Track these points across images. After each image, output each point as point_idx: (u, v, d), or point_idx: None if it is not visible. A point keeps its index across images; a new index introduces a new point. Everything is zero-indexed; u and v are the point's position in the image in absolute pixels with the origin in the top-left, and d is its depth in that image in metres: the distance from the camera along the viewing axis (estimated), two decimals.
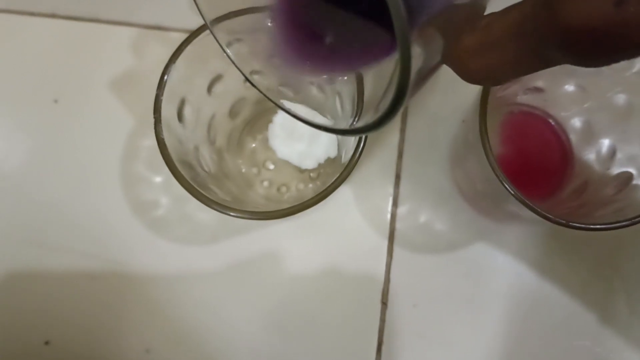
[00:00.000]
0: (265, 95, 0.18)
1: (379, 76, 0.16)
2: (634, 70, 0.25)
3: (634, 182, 0.25)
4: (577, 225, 0.22)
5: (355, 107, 0.23)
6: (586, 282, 0.32)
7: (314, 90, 0.26)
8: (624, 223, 0.22)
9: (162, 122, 0.23)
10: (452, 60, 0.14)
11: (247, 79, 0.18)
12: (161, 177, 0.33)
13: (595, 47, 0.11)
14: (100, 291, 0.32)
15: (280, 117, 0.31)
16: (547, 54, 0.12)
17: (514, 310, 0.31)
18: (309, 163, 0.31)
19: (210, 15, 0.17)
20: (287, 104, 0.19)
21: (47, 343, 0.32)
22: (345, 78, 0.22)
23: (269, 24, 0.18)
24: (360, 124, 0.14)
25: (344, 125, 0.19)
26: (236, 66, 0.18)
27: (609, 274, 0.32)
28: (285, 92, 0.20)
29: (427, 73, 0.13)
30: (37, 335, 0.32)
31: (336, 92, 0.25)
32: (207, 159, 0.28)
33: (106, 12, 0.36)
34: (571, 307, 0.31)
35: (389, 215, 0.33)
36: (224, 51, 0.18)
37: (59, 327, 0.32)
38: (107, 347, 0.32)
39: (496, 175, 0.22)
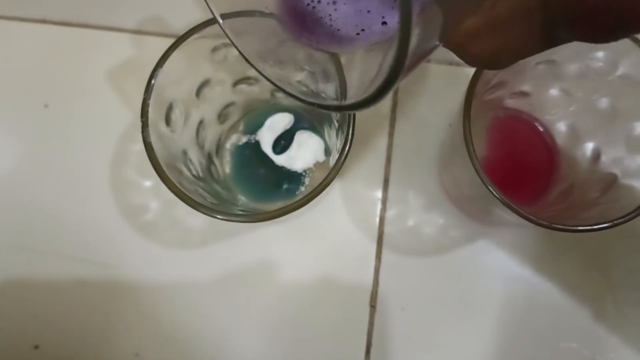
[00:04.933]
0: (273, 82, 0.18)
1: (368, 64, 0.16)
2: (617, 74, 0.25)
3: (618, 184, 0.26)
4: (560, 227, 0.22)
5: (339, 90, 0.23)
6: (575, 285, 0.32)
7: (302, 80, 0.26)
8: (605, 225, 0.22)
9: (150, 126, 0.23)
10: (453, 44, 0.13)
11: (255, 68, 0.18)
12: (150, 181, 0.33)
13: (604, 22, 0.11)
14: (89, 295, 0.32)
15: (269, 122, 0.32)
16: (553, 33, 0.12)
17: (503, 313, 0.32)
18: (298, 167, 0.31)
19: (218, 11, 0.18)
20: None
21: (36, 347, 0.32)
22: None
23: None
24: (350, 101, 0.14)
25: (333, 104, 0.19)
26: (243, 56, 0.18)
27: (597, 276, 0.32)
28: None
29: (420, 57, 0.12)
30: (26, 340, 0.32)
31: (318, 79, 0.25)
32: (196, 163, 0.28)
33: (96, 18, 0.36)
34: (560, 309, 0.32)
35: (377, 219, 0.33)
36: (233, 43, 0.18)
37: (48, 331, 0.32)
38: (97, 351, 0.32)
39: (480, 178, 0.23)
